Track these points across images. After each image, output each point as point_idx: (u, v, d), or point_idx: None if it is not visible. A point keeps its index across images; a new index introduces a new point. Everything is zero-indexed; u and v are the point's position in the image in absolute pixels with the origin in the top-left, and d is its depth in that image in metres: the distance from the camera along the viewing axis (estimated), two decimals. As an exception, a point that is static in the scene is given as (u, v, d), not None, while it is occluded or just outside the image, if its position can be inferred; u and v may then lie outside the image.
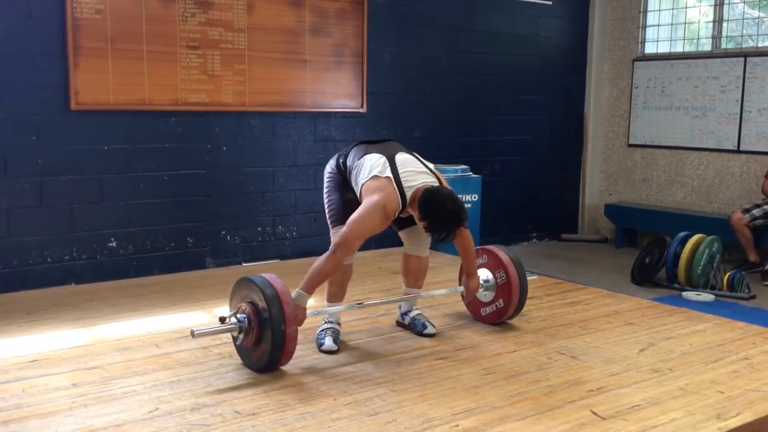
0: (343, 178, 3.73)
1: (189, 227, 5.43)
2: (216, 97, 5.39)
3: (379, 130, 6.22)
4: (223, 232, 5.58)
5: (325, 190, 3.80)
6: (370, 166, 3.54)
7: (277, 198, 5.81)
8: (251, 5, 5.46)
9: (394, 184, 3.46)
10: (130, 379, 3.24)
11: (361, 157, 3.61)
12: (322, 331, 3.73)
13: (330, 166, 3.82)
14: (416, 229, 3.73)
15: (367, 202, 3.45)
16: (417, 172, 3.54)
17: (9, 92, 4.67)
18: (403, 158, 3.58)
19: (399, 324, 4.07)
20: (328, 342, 3.66)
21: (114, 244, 5.13)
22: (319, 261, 3.42)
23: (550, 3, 7.03)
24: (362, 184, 3.52)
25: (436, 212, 3.37)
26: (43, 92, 4.77)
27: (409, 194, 3.46)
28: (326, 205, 3.77)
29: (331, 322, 3.76)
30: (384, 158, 3.54)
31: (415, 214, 3.47)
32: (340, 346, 3.69)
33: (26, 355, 3.54)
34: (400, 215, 3.57)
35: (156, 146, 5.23)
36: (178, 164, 5.34)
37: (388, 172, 3.48)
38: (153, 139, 5.22)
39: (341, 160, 3.73)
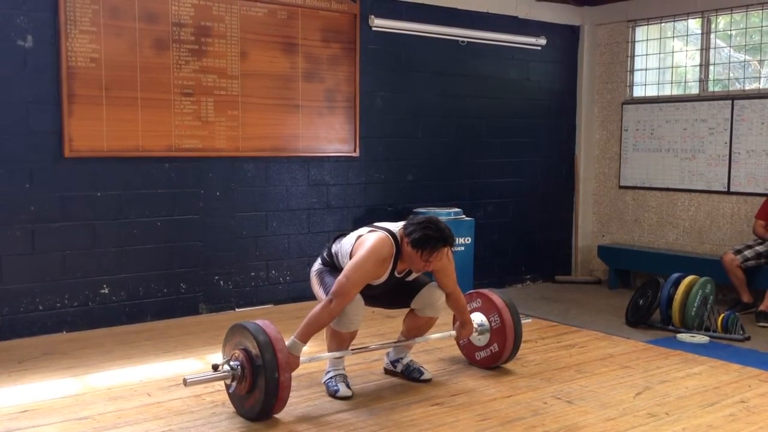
0: (331, 267, 3.78)
1: (182, 273, 5.41)
2: (209, 142, 5.43)
3: (372, 174, 6.25)
4: (217, 278, 5.57)
5: (316, 285, 3.79)
6: (351, 235, 3.73)
7: (270, 242, 5.81)
8: (245, 52, 5.52)
9: (381, 230, 3.57)
10: (121, 430, 3.21)
11: (344, 238, 3.77)
12: (331, 378, 3.71)
13: (316, 265, 3.89)
14: (428, 290, 3.79)
15: (359, 251, 3.50)
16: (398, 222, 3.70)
17: (3, 139, 4.69)
18: (383, 222, 3.80)
19: (388, 372, 4.03)
20: (343, 388, 3.65)
21: (106, 290, 5.10)
22: (315, 310, 3.44)
23: (540, 48, 7.14)
24: (350, 250, 3.61)
25: (422, 221, 3.50)
26: (37, 139, 4.80)
27: (397, 233, 3.55)
28: (321, 289, 3.73)
29: (337, 368, 3.74)
30: (364, 227, 3.75)
31: (407, 246, 3.49)
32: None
33: (16, 405, 3.50)
34: (396, 272, 3.61)
35: (149, 192, 5.25)
36: (172, 210, 5.34)
37: (371, 228, 3.68)
38: (146, 185, 5.23)
39: (325, 253, 3.85)
